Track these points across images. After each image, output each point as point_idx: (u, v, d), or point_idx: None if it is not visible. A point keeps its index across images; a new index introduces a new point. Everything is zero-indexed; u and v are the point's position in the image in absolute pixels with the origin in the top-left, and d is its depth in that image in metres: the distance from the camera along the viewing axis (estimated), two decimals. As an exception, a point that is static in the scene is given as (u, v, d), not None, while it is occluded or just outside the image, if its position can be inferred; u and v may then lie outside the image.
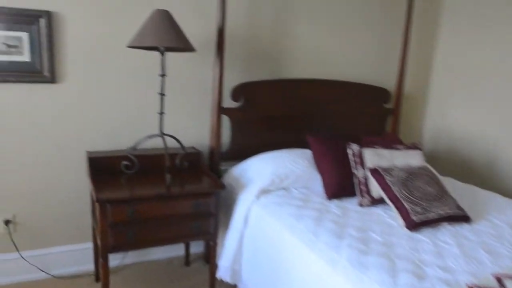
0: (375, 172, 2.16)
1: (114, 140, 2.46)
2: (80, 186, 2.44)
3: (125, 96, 2.44)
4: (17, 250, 2.38)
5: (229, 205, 2.36)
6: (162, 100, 2.19)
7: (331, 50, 2.95)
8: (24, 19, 2.16)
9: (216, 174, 2.53)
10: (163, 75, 2.16)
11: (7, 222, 2.34)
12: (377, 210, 2.13)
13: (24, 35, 2.18)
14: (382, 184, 2.10)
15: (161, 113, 2.20)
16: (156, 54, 2.41)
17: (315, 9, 2.82)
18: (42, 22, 2.18)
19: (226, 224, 2.34)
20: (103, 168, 2.25)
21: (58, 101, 2.31)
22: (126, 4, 2.33)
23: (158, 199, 2.03)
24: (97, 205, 1.92)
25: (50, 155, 2.35)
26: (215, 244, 2.24)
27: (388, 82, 3.21)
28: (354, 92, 2.99)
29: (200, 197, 2.11)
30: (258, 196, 2.21)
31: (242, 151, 2.65)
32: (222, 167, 2.61)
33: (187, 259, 2.71)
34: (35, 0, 2.16)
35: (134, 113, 2.48)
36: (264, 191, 2.25)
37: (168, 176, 2.19)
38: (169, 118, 2.48)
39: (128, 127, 2.48)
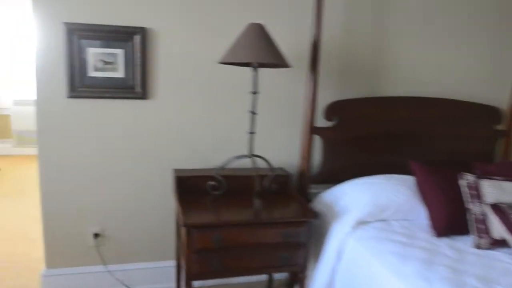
0: (497, 209, 1.83)
1: (201, 159, 2.38)
2: (165, 203, 2.40)
3: (214, 114, 2.36)
4: (104, 263, 2.39)
5: (320, 234, 2.16)
6: (253, 119, 2.07)
7: (433, 64, 2.63)
8: (121, 36, 2.16)
9: (305, 198, 2.35)
10: (254, 93, 2.04)
11: (96, 235, 2.36)
12: (500, 255, 1.80)
13: (119, 52, 2.18)
14: (507, 224, 1.77)
15: (252, 132, 2.07)
16: (246, 70, 2.29)
17: (416, 20, 2.53)
18: (137, 38, 2.17)
19: (316, 254, 2.14)
20: (190, 187, 2.17)
21: (148, 117, 2.28)
22: (218, 19, 2.25)
23: (245, 226, 1.89)
24: (183, 229, 1.83)
25: (139, 170, 2.33)
26: (304, 276, 2.05)
27: (500, 100, 2.80)
28: (459, 111, 2.65)
29: (290, 225, 1.94)
30: (354, 228, 1.98)
31: (334, 174, 2.44)
32: (312, 190, 2.42)
33: (269, 286, 2.54)
34: (132, 17, 2.16)
35: (223, 132, 2.39)
36: (361, 223, 2.02)
37: (256, 201, 2.05)
38: (258, 137, 2.34)
39: (216, 146, 2.39)
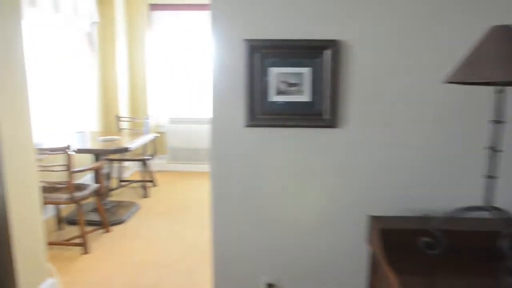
0: None
1: (406, 204, 1.87)
2: (355, 254, 1.94)
3: (428, 149, 1.83)
4: (275, 317, 2.03)
5: None
6: (493, 158, 1.49)
7: None
8: (308, 52, 1.79)
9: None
10: (498, 122, 1.46)
11: (270, 286, 2.01)
12: None
13: (306, 71, 1.80)
14: None
15: (491, 176, 1.49)
16: (483, 90, 1.72)
17: None
18: (327, 54, 1.77)
19: None
20: (393, 240, 1.67)
21: (337, 150, 1.86)
22: (432, 25, 1.73)
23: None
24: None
25: (324, 213, 1.92)
26: None
27: None
28: None
29: None
30: None
31: None
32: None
33: None
34: (321, 28, 1.77)
35: (441, 172, 1.84)
36: None
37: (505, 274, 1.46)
38: (501, 182, 1.74)
39: (429, 189, 1.85)
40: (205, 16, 5.66)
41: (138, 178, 5.18)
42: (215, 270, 2.03)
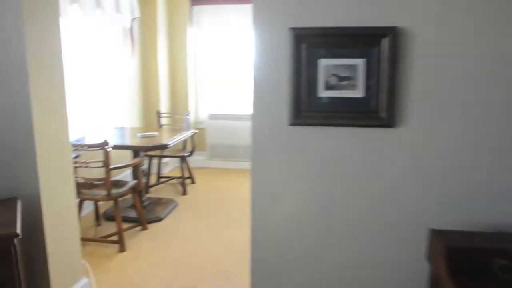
0: None
1: (474, 217, 1.63)
2: (411, 270, 1.71)
3: (498, 152, 1.57)
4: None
5: None
6: None
7: None
8: (363, 41, 1.58)
9: None
10: None
11: (312, 301, 1.82)
12: None
13: (359, 63, 1.59)
14: None
15: None
16: None
17: None
18: (385, 42, 1.55)
19: None
20: (458, 259, 1.43)
21: (394, 152, 1.64)
22: (504, 16, 1.47)
23: None
24: None
25: (376, 223, 1.71)
26: None
27: None
28: None
29: None
30: None
31: None
32: None
33: None
34: (378, 14, 1.55)
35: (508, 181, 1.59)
36: None
37: None
38: None
39: (501, 200, 1.60)
40: (247, 10, 5.50)
41: (177, 175, 5.11)
42: (253, 276, 1.87)
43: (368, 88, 1.60)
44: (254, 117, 1.74)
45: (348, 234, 1.74)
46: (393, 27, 1.54)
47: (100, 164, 3.11)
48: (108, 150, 3.07)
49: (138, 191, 3.56)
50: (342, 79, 1.61)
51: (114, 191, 3.27)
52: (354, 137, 1.65)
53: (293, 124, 1.67)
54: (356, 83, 1.61)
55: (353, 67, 1.60)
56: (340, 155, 1.68)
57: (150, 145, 3.61)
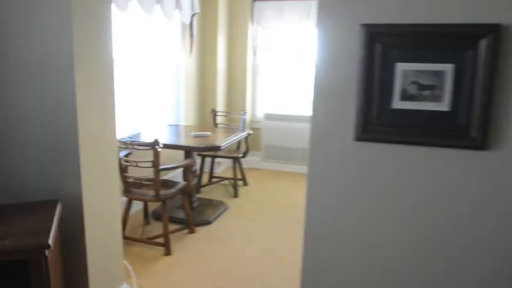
0: None
1: None
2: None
3: None
4: None
5: None
6: None
7: None
8: (454, 41, 1.28)
9: None
10: None
11: None
12: None
13: (448, 69, 1.29)
14: None
15: None
16: None
17: None
18: (483, 45, 1.24)
19: None
20: None
21: (488, 181, 1.32)
22: None
23: None
24: None
25: (458, 267, 1.40)
26: None
27: None
28: None
29: None
30: None
31: None
32: None
33: None
34: (476, 7, 1.24)
35: None
36: None
37: None
38: None
39: None
40: (311, 6, 5.22)
41: (229, 175, 4.97)
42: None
43: (456, 100, 1.30)
44: (313, 128, 1.50)
45: (414, 263, 1.45)
46: (496, 25, 1.22)
47: (149, 164, 3.00)
48: (158, 150, 2.95)
49: (187, 193, 3.43)
50: (424, 88, 1.32)
51: (163, 192, 3.16)
52: (435, 159, 1.36)
53: (360, 139, 1.41)
54: (441, 94, 1.31)
55: (439, 74, 1.30)
56: (415, 179, 1.39)
57: (202, 145, 3.46)
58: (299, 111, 5.71)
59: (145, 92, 4.19)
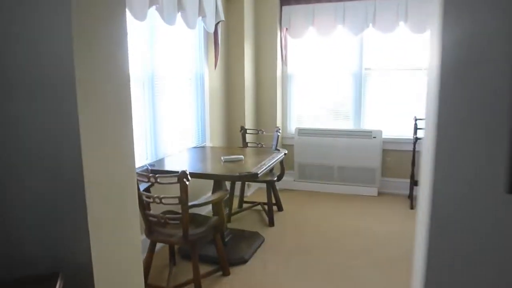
0: None
1: None
2: None
3: None
4: None
5: None
6: None
7: None
8: None
9: None
10: None
11: None
12: None
13: None
14: None
15: None
16: None
17: None
18: None
19: None
20: None
21: None
22: None
23: None
24: None
25: None
26: None
27: None
28: None
29: None
30: None
31: None
32: None
33: None
34: None
35: None
36: None
37: None
38: None
39: None
40: (345, 9, 4.69)
41: (261, 198, 4.44)
42: None
43: None
44: (436, 168, 0.96)
45: None
46: None
47: (175, 200, 2.50)
48: (186, 183, 2.44)
49: (220, 230, 2.91)
50: None
51: (192, 232, 2.65)
52: None
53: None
54: None
55: None
56: None
57: (236, 174, 2.94)
58: (335, 124, 5.18)
59: (165, 110, 3.71)
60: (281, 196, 4.62)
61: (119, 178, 1.66)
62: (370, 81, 4.98)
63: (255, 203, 4.48)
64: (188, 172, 2.44)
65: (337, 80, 5.12)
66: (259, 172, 2.96)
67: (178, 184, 2.47)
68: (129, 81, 1.68)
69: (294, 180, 5.26)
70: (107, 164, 1.58)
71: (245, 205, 4.53)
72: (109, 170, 1.60)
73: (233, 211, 4.26)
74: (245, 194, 4.68)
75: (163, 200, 2.52)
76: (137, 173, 2.57)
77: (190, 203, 2.54)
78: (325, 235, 3.81)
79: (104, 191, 1.57)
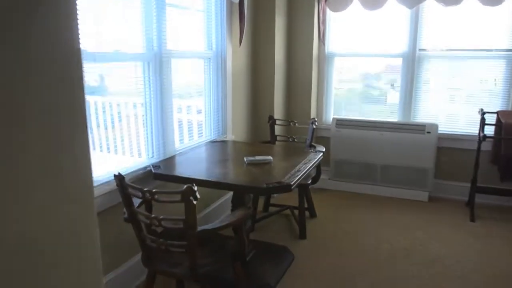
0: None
1: None
2: None
3: None
4: None
5: None
6: None
7: None
8: None
9: None
10: None
11: None
12: None
13: None
14: None
15: None
16: None
17: None
18: None
19: None
20: None
21: None
22: None
23: None
24: None
25: None
26: None
27: None
28: None
29: None
30: None
31: None
32: None
33: None
34: None
35: None
36: None
37: None
38: None
39: None
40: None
41: (290, 201, 3.74)
42: None
43: None
44: None
45: None
46: None
47: (180, 223, 1.83)
48: (194, 203, 1.77)
49: (239, 257, 2.23)
50: None
51: (202, 261, 1.99)
52: None
53: None
54: None
55: None
56: None
57: (262, 186, 2.24)
58: (380, 116, 4.41)
59: (177, 96, 3.03)
60: (314, 197, 3.90)
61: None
62: (425, 65, 4.15)
63: (284, 207, 3.78)
64: (196, 189, 1.75)
65: (385, 63, 4.32)
66: (292, 182, 2.26)
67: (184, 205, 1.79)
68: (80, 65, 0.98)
69: (329, 179, 4.53)
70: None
71: (271, 209, 3.84)
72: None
73: (257, 216, 3.58)
74: (271, 195, 3.99)
75: (162, 223, 1.86)
76: (129, 185, 1.92)
77: (199, 228, 1.87)
78: (369, 255, 3.09)
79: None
